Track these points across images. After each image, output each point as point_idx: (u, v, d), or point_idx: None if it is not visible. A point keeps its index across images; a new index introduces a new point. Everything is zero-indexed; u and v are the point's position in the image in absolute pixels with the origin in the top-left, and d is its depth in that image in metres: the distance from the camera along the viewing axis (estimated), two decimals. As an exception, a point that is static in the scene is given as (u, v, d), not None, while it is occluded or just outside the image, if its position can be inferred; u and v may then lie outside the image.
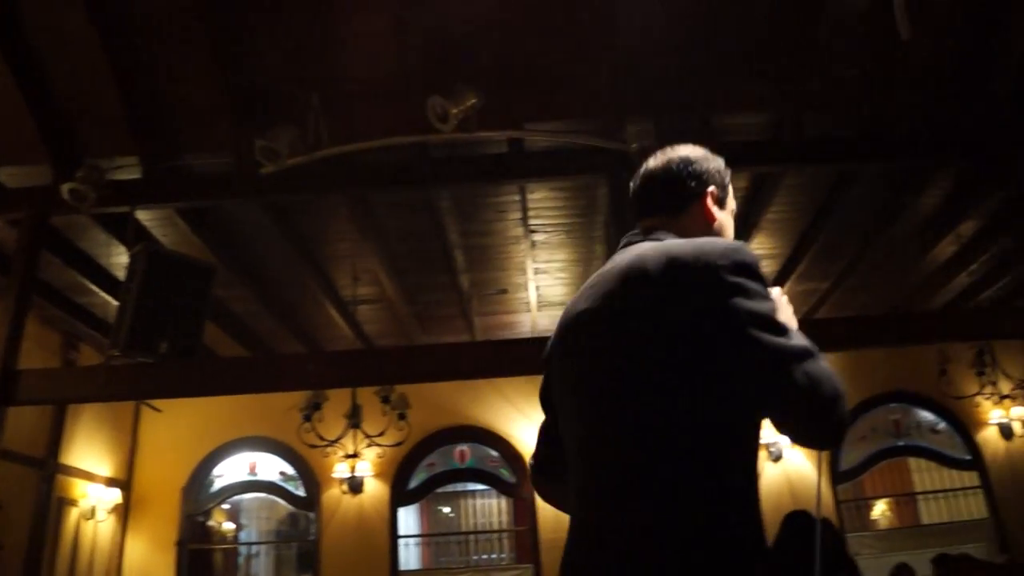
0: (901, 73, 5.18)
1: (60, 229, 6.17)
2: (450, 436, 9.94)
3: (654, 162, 1.96)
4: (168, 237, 6.32)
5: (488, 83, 4.83)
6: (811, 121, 5.51)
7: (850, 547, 8.72)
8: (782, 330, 1.53)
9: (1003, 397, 9.03)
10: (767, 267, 7.59)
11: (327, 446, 8.51)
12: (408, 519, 10.67)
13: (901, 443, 9.95)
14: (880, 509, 11.40)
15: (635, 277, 1.66)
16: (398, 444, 8.78)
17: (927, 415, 9.95)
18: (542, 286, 7.74)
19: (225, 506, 11.06)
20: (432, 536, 11.50)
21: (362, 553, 9.35)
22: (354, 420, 8.46)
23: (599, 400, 1.69)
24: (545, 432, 1.98)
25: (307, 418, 8.18)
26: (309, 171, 5.14)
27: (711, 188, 1.91)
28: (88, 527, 8.56)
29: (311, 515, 9.78)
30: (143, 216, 5.95)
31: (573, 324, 1.81)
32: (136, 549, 9.30)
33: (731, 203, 1.98)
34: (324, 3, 4.87)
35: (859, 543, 9.15)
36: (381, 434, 8.51)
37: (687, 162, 1.92)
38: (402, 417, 8.37)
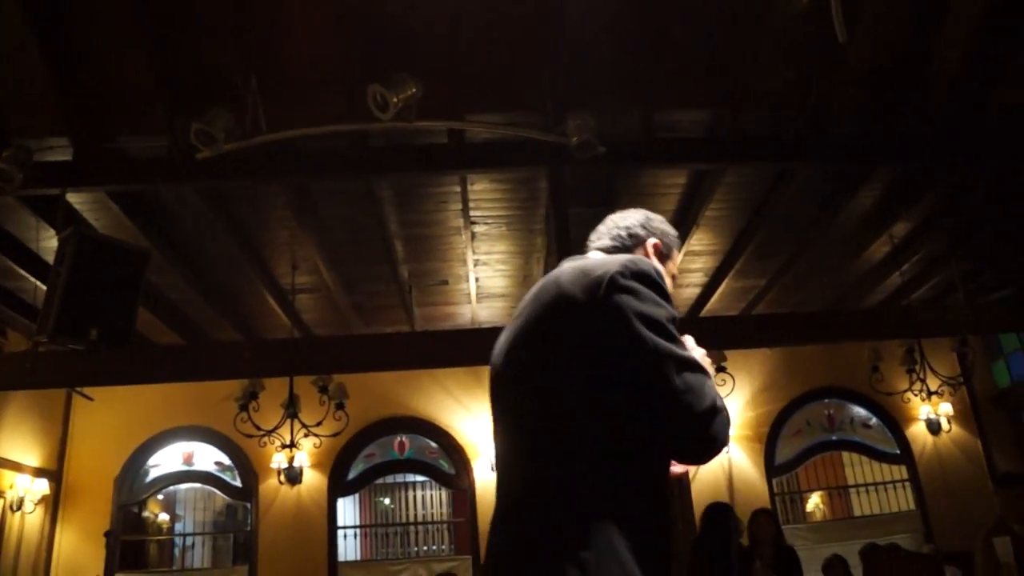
0: (838, 75, 5.27)
1: (-15, 211, 6.01)
2: (389, 427, 9.90)
3: (619, 212, 2.20)
4: (101, 221, 6.18)
5: (429, 73, 4.80)
6: (750, 120, 5.57)
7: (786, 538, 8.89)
8: (670, 336, 1.64)
9: (931, 393, 9.24)
10: (705, 263, 7.67)
11: (264, 436, 8.40)
12: (347, 510, 10.61)
13: (835, 437, 10.16)
14: (814, 502, 11.62)
15: (550, 285, 1.82)
16: (336, 434, 8.70)
17: (860, 410, 10.19)
18: (482, 277, 7.74)
19: (160, 497, 10.88)
20: (371, 527, 11.45)
21: (300, 544, 9.29)
22: (291, 410, 8.37)
23: (510, 411, 1.85)
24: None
25: (243, 407, 8.06)
26: (247, 157, 5.06)
27: (654, 240, 2.13)
28: (15, 518, 8.35)
29: (248, 506, 9.69)
30: (74, 199, 5.83)
31: (502, 339, 1.95)
32: (67, 540, 9.10)
33: (672, 268, 2.18)
34: (263, -14, 4.80)
35: (794, 535, 9.30)
36: (319, 424, 8.43)
37: (644, 216, 2.17)
38: (340, 407, 8.30)
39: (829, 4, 4.01)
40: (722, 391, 7.14)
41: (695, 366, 1.63)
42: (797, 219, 6.83)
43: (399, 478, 10.88)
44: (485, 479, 9.43)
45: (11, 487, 8.32)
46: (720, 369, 8.11)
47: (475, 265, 7.41)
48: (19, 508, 8.36)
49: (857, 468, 10.67)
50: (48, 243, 6.36)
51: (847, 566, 7.48)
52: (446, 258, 7.32)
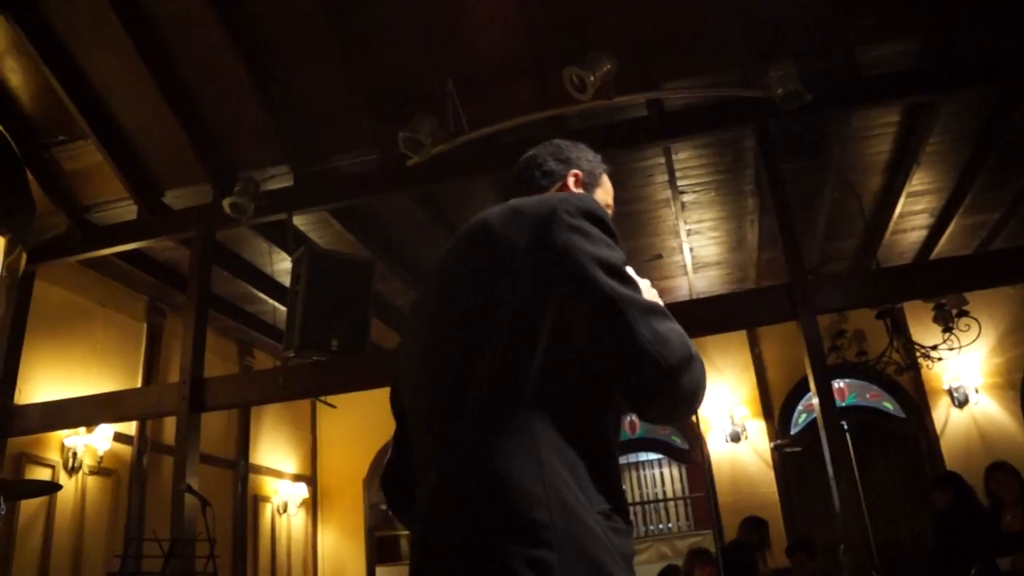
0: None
1: (224, 243, 6.51)
2: (617, 407, 9.90)
3: (529, 151, 1.95)
4: (325, 239, 6.56)
5: (620, 48, 4.77)
6: (963, 42, 5.16)
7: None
8: (626, 280, 1.42)
9: None
10: (930, 203, 7.20)
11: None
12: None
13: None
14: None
15: (476, 230, 1.57)
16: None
17: None
18: (696, 247, 7.61)
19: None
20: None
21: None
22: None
23: (430, 368, 1.57)
24: (396, 443, 1.80)
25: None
26: (451, 158, 5.21)
27: (575, 170, 1.89)
28: (282, 521, 9.05)
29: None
30: (299, 221, 6.21)
31: (417, 301, 1.76)
32: (328, 539, 9.76)
33: (606, 197, 1.92)
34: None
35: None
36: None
37: (554, 147, 1.93)
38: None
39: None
40: (967, 337, 6.60)
41: (661, 312, 1.40)
42: (1030, 142, 6.29)
43: (632, 458, 10.91)
44: (720, 451, 9.25)
45: (275, 493, 9.01)
46: (962, 314, 7.58)
47: (687, 235, 7.30)
48: (284, 511, 9.04)
49: None
50: (280, 266, 6.83)
51: None
52: (657, 231, 7.25)
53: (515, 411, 1.38)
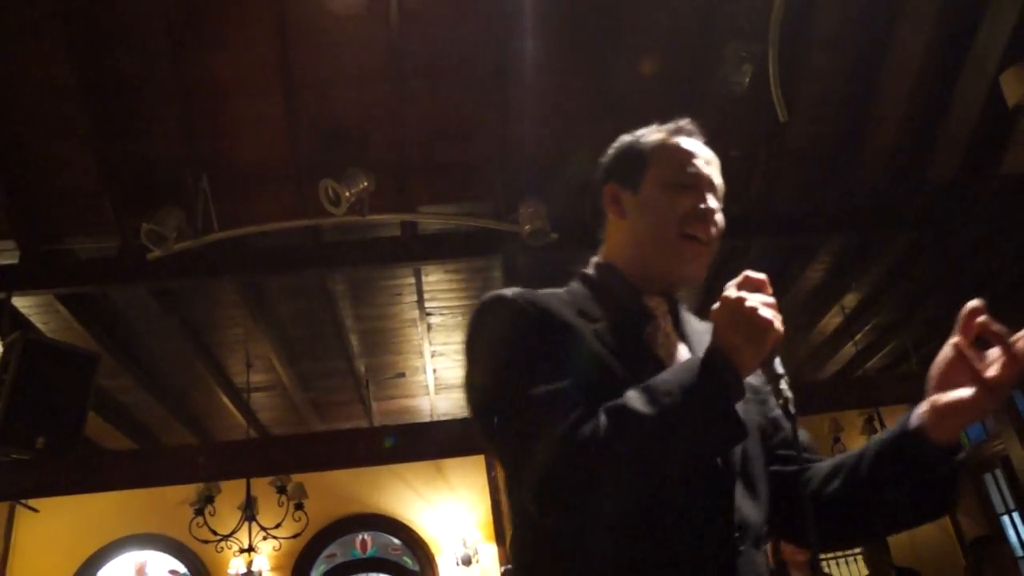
0: (780, 152, 5.39)
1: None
2: (350, 525, 9.63)
3: None
4: (49, 325, 6.06)
5: (381, 166, 4.84)
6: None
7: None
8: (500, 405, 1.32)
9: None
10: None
11: (221, 541, 8.13)
12: (308, 614, 10.26)
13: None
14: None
15: None
16: (296, 536, 8.45)
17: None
18: (440, 369, 7.68)
19: (110, 610, 10.43)
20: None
21: (260, 654, 8.91)
22: (249, 512, 8.13)
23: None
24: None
25: (199, 512, 7.82)
26: (198, 255, 5.02)
27: (609, 183, 1.51)
28: (-44, 641, 7.96)
29: (204, 615, 9.30)
30: (20, 303, 5.70)
31: None
32: (10, 662, 8.66)
33: (663, 172, 1.46)
34: (212, 85, 4.82)
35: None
36: (278, 526, 8.19)
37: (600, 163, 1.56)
38: (299, 507, 8.08)
39: (769, 86, 4.16)
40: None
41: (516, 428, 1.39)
42: (749, 297, 6.88)
43: (362, 579, 10.59)
44: (449, 575, 9.18)
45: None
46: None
47: (432, 356, 7.36)
48: (-40, 630, 7.97)
49: None
50: (-8, 350, 6.21)
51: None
52: (402, 351, 7.27)
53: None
